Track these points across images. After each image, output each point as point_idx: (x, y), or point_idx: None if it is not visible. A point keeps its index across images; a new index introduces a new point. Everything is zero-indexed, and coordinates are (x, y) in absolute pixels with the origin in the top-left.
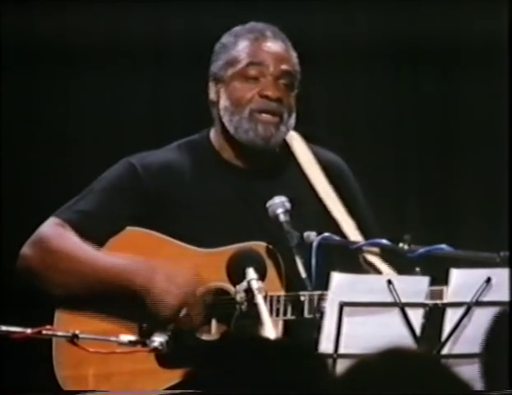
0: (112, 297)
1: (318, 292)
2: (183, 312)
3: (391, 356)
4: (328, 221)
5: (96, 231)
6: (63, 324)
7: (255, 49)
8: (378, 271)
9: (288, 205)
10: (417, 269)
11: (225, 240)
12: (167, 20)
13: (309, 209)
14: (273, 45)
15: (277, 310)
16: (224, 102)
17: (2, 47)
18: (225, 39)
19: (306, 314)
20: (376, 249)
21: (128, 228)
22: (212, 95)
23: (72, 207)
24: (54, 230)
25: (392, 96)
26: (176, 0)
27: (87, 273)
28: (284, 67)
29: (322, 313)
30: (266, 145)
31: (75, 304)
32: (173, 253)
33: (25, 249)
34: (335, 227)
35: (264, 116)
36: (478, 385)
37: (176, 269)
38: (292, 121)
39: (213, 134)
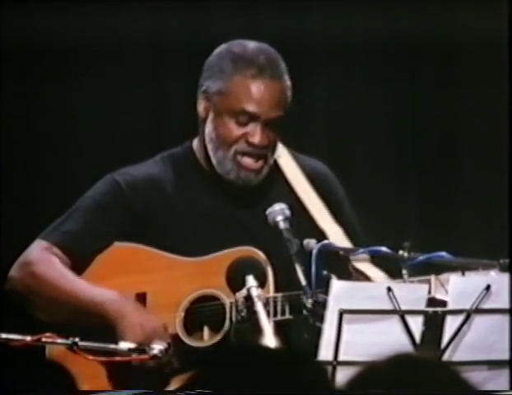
0: (88, 326)
1: (318, 291)
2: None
3: (397, 362)
4: (313, 230)
5: (84, 251)
6: None
7: (250, 93)
8: (368, 278)
9: (288, 212)
10: (404, 271)
11: (212, 251)
12: (167, 21)
13: (299, 218)
14: (269, 88)
15: (275, 311)
16: (210, 130)
17: (2, 47)
18: (223, 60)
19: (303, 315)
20: (365, 256)
21: (116, 243)
22: (201, 110)
23: (58, 228)
24: (40, 255)
25: (391, 101)
26: (176, 1)
27: (64, 302)
28: (275, 113)
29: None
30: (244, 186)
31: (57, 328)
32: (162, 264)
33: (12, 272)
34: (321, 236)
35: (247, 160)
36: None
37: (147, 314)
38: (275, 154)
39: (197, 145)
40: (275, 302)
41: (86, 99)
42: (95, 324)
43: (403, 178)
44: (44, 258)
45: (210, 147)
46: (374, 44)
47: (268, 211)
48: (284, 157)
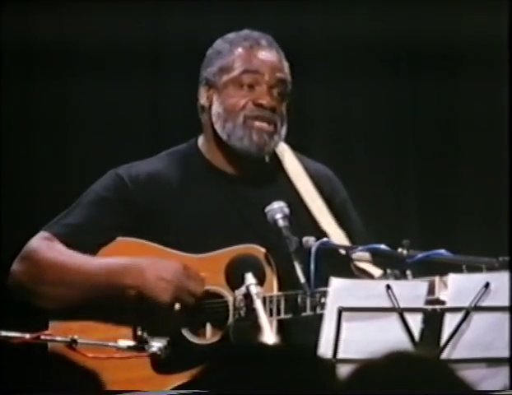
0: (104, 301)
1: (318, 290)
2: (177, 306)
3: (395, 360)
4: (316, 231)
5: (85, 244)
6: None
7: (250, 57)
8: (370, 276)
9: (287, 210)
10: (408, 272)
11: (216, 247)
12: (166, 22)
13: (300, 217)
14: (268, 54)
15: (271, 310)
16: (217, 108)
17: (2, 48)
18: (220, 45)
19: (301, 314)
20: (367, 256)
21: (119, 238)
22: (203, 101)
23: (61, 221)
24: (42, 243)
25: (390, 102)
26: (176, 0)
27: (76, 281)
28: (279, 75)
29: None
30: (259, 152)
31: (68, 314)
32: None
33: (15, 265)
34: (324, 238)
35: (258, 123)
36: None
37: (163, 264)
38: (284, 130)
39: (202, 141)
40: (278, 300)
41: (85, 98)
42: (107, 299)
43: (403, 177)
44: (45, 245)
45: (218, 124)
46: (373, 44)
47: (267, 209)
48: (288, 157)
